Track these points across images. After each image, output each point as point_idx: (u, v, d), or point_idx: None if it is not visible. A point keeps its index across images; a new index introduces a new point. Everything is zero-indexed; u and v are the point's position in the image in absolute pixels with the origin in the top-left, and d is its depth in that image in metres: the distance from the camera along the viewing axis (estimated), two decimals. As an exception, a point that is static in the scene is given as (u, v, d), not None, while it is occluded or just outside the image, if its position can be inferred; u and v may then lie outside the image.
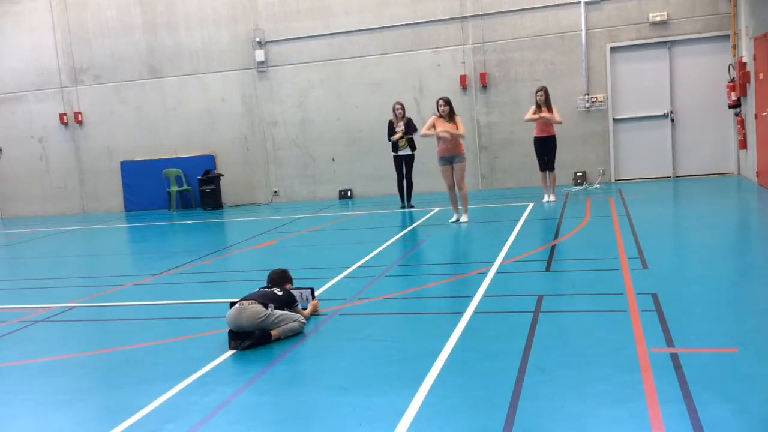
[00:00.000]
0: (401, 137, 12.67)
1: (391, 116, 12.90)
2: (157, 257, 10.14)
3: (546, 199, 11.85)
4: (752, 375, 4.07)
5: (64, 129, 16.92)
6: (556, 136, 11.88)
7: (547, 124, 11.73)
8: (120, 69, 16.38)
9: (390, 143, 12.92)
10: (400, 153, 12.85)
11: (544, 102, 11.73)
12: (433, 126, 10.34)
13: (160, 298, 7.41)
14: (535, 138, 11.96)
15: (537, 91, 11.89)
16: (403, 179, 12.94)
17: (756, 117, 11.60)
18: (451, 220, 10.58)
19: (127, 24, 16.20)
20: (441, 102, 10.36)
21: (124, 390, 4.67)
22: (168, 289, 7.89)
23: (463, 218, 10.47)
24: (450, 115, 10.29)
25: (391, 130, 12.90)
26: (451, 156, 10.35)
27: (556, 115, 11.73)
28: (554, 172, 11.93)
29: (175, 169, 16.26)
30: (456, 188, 10.52)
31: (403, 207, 12.86)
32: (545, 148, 11.84)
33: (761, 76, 11.16)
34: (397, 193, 13.10)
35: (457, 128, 10.23)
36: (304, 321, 5.64)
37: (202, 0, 15.80)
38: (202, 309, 6.73)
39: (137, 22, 16.14)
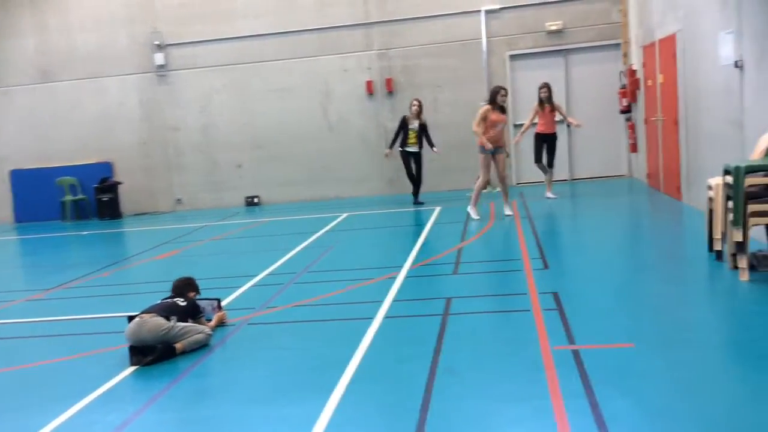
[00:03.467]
0: (414, 141, 12.61)
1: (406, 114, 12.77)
2: (50, 271, 9.63)
3: (550, 196, 11.81)
4: (648, 368, 4.28)
5: (-54, 135, 15.82)
6: (551, 133, 11.90)
7: (551, 121, 11.79)
8: (8, 73, 15.47)
9: (398, 137, 12.72)
10: (408, 149, 12.65)
11: (548, 98, 11.76)
12: (484, 120, 10.14)
13: (54, 314, 7.04)
14: (538, 134, 11.87)
15: (540, 88, 11.78)
16: (412, 174, 12.77)
17: (645, 122, 12.26)
18: (475, 217, 10.26)
19: (16, 26, 15.33)
20: (504, 92, 10.26)
21: (19, 413, 4.40)
22: (63, 304, 7.50)
23: (508, 210, 10.38)
24: (502, 107, 10.24)
25: (404, 126, 12.66)
26: (499, 146, 10.25)
27: (564, 111, 12.02)
28: (553, 169, 12.05)
29: (69, 178, 15.50)
30: (500, 180, 10.42)
31: (415, 202, 12.74)
32: (549, 144, 11.90)
33: (650, 83, 11.80)
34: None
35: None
36: (210, 332, 5.49)
37: (97, 1, 15.16)
38: (101, 324, 6.43)
39: (27, 24, 15.31)
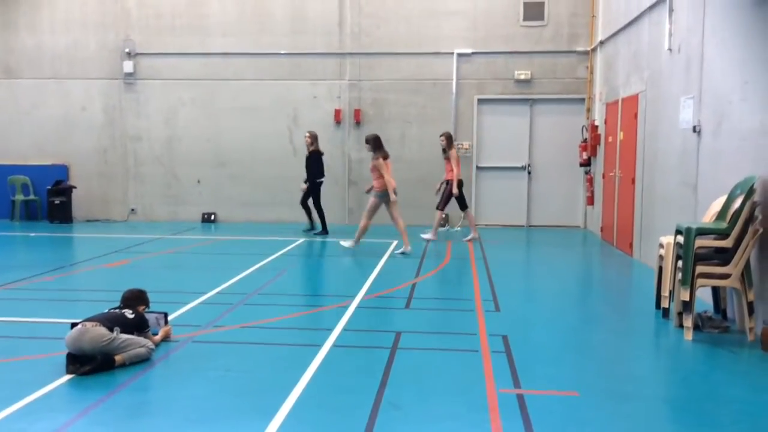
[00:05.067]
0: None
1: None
2: (-8, 270, 9.31)
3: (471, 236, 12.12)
4: (591, 418, 4.30)
5: None
6: (450, 181, 11.94)
7: (450, 168, 11.95)
8: (-31, 64, 15.13)
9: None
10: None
11: (446, 147, 11.94)
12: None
13: (-9, 314, 6.79)
14: (460, 180, 12.04)
15: (440, 137, 12.17)
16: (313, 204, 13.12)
17: (603, 176, 12.55)
18: (346, 244, 10.94)
19: (-18, 17, 15.03)
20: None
21: (-61, 415, 4.19)
22: (2, 305, 7.23)
23: (407, 248, 10.64)
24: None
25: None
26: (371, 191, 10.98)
27: (454, 164, 11.87)
28: (442, 212, 12.31)
29: (22, 177, 15.10)
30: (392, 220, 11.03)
31: (321, 232, 12.95)
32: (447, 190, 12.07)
33: (611, 139, 12.11)
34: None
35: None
36: (153, 347, 5.35)
37: (70, 3, 14.98)
38: (39, 328, 6.23)
39: (-6, 17, 15.03)
